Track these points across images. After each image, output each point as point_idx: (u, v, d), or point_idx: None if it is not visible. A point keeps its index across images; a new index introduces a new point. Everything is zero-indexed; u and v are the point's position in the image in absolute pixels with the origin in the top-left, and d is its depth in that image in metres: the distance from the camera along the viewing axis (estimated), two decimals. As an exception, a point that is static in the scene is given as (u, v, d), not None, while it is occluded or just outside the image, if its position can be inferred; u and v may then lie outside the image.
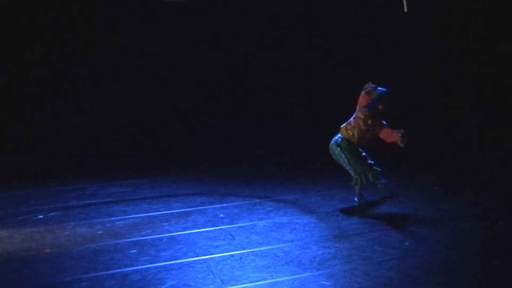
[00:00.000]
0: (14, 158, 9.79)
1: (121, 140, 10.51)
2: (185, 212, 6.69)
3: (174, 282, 4.56)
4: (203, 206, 6.98)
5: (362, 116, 6.53)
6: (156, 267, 4.88)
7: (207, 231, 5.91)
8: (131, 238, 5.70)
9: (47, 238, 5.80)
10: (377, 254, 5.11)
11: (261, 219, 6.33)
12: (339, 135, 6.71)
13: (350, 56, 10.92)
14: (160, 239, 5.67)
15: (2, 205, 7.19)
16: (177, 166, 9.49)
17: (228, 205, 6.96)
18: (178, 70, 11.13)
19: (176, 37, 11.04)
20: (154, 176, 8.75)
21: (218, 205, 6.97)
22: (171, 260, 5.05)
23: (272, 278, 4.59)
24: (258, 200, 7.18)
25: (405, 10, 7.14)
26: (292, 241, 5.53)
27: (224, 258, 5.07)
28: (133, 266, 4.93)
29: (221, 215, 6.52)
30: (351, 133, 6.63)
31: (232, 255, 5.13)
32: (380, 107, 6.43)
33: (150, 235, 5.79)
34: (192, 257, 5.11)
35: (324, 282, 4.50)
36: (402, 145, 6.42)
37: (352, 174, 6.61)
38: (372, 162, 6.72)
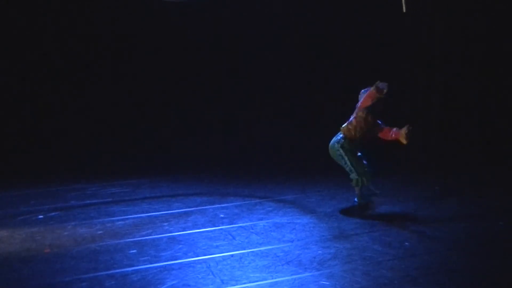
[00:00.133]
0: (14, 158, 9.79)
1: (121, 140, 10.51)
2: (185, 212, 6.69)
3: (174, 282, 4.56)
4: (203, 206, 6.98)
5: (363, 115, 6.52)
6: (156, 267, 4.88)
7: (207, 231, 5.91)
8: (131, 238, 5.70)
9: (47, 238, 5.80)
10: (377, 254, 5.11)
11: (261, 219, 6.33)
12: (340, 135, 6.68)
13: (350, 56, 10.92)
14: (160, 239, 5.67)
15: (2, 205, 7.19)
16: (177, 166, 9.50)
17: (228, 205, 6.96)
18: (178, 70, 11.13)
19: (176, 37, 11.03)
20: (154, 176, 8.76)
21: (218, 205, 6.97)
22: (171, 260, 5.05)
23: (272, 278, 4.59)
24: (258, 200, 7.19)
25: (404, 10, 7.13)
26: (292, 241, 5.53)
27: (224, 258, 5.07)
28: (133, 266, 4.93)
29: (221, 215, 6.52)
30: (352, 133, 6.61)
31: (232, 255, 5.14)
32: (379, 95, 6.31)
33: (150, 235, 5.79)
34: (192, 257, 5.12)
35: (324, 282, 4.50)
36: (405, 142, 6.39)
37: (353, 175, 6.59)
38: (365, 163, 6.72)
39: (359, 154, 6.72)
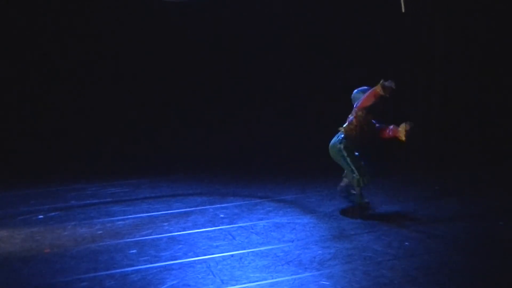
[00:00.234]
0: (14, 158, 9.79)
1: (121, 140, 10.51)
2: (185, 212, 6.69)
3: (174, 282, 4.56)
4: (203, 206, 6.98)
5: (363, 115, 6.52)
6: (156, 267, 4.88)
7: (207, 231, 5.92)
8: (131, 238, 5.70)
9: (47, 238, 5.80)
10: (377, 254, 5.11)
11: (261, 219, 6.33)
12: (341, 135, 6.66)
13: (350, 56, 10.91)
14: (160, 239, 5.67)
15: (2, 205, 7.19)
16: (177, 166, 9.49)
17: (228, 205, 6.96)
18: (178, 70, 11.12)
19: (176, 37, 11.03)
20: (154, 176, 8.75)
21: (218, 205, 6.97)
22: (171, 260, 5.05)
23: (272, 278, 4.59)
24: (258, 200, 7.19)
25: (403, 10, 7.12)
26: (292, 241, 5.53)
27: (224, 258, 5.07)
28: (133, 266, 4.93)
29: (221, 215, 6.52)
30: (354, 133, 6.60)
31: (232, 255, 5.14)
32: (385, 93, 6.26)
33: (150, 235, 5.79)
34: (192, 257, 5.12)
35: (324, 282, 4.50)
36: (404, 139, 6.37)
37: (354, 175, 6.58)
38: (363, 163, 6.72)
39: (356, 154, 6.72)
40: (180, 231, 5.92)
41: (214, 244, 5.48)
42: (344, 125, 6.66)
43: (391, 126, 6.55)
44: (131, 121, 10.88)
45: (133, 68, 10.85)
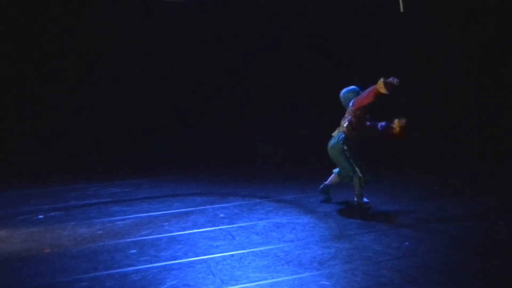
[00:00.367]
0: (14, 158, 9.79)
1: (121, 140, 10.51)
2: (185, 212, 6.69)
3: (174, 282, 4.56)
4: (203, 206, 6.98)
5: (361, 114, 6.54)
6: (156, 267, 4.88)
7: (207, 231, 5.92)
8: (131, 238, 5.70)
9: (47, 238, 5.80)
10: (377, 254, 5.11)
11: (261, 219, 6.33)
12: (342, 136, 6.66)
13: (350, 56, 10.92)
14: (160, 239, 5.67)
15: (2, 205, 7.19)
16: (177, 166, 9.50)
17: (228, 205, 6.97)
18: (178, 70, 11.13)
19: (176, 37, 11.03)
20: (154, 176, 8.76)
21: (218, 205, 6.97)
22: (171, 260, 5.05)
23: (272, 278, 4.59)
24: (258, 200, 7.19)
25: (401, 10, 7.13)
26: (292, 241, 5.53)
27: (224, 258, 5.07)
28: (133, 266, 4.93)
29: (221, 215, 6.52)
30: (354, 133, 6.61)
31: (232, 255, 5.13)
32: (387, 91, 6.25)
33: (150, 235, 5.79)
34: (192, 257, 5.11)
35: (324, 282, 4.50)
36: (398, 132, 6.33)
37: (356, 175, 6.58)
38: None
39: (355, 154, 6.72)
40: (180, 231, 5.92)
41: (214, 244, 5.48)
42: (345, 125, 6.66)
43: (383, 123, 6.57)
44: (131, 121, 10.89)
45: (133, 68, 10.86)
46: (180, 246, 5.44)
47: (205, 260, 5.03)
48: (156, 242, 5.56)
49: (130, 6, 10.55)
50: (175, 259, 5.06)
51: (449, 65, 10.49)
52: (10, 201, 7.36)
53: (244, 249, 5.29)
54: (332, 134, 6.80)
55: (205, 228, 6.02)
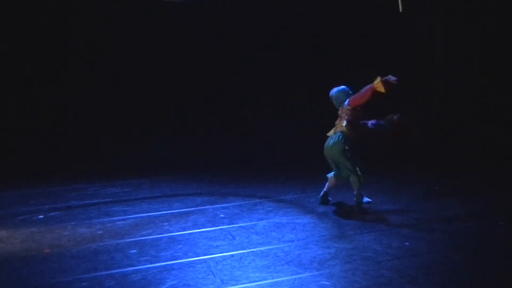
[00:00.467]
0: (14, 158, 9.79)
1: (121, 140, 10.51)
2: (185, 212, 6.69)
3: (174, 282, 4.56)
4: (203, 206, 6.98)
5: (359, 113, 6.54)
6: (156, 267, 4.88)
7: (207, 231, 5.91)
8: (131, 238, 5.70)
9: (47, 238, 5.80)
10: (377, 254, 5.11)
11: (261, 219, 6.33)
12: (340, 136, 6.65)
13: (350, 56, 10.91)
14: (160, 239, 5.67)
15: (2, 205, 7.19)
16: (177, 166, 9.50)
17: (228, 205, 6.96)
18: (178, 70, 11.12)
19: (176, 37, 11.03)
20: (154, 176, 8.76)
21: (218, 205, 6.97)
22: (171, 260, 5.05)
23: (272, 278, 4.59)
24: (258, 200, 7.19)
25: (400, 10, 7.13)
26: (292, 241, 5.53)
27: (224, 258, 5.07)
28: (133, 266, 4.93)
29: (221, 215, 6.52)
30: (353, 132, 6.61)
31: (232, 255, 5.13)
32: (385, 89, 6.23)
33: (150, 235, 5.79)
34: (192, 257, 5.11)
35: (324, 282, 4.50)
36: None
37: (355, 174, 6.58)
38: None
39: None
40: (180, 231, 5.92)
41: (214, 244, 5.48)
42: (344, 125, 6.65)
43: (373, 121, 6.57)
44: (131, 121, 10.88)
45: (133, 68, 10.86)
46: (180, 246, 5.44)
47: (205, 260, 5.03)
48: (156, 242, 5.56)
49: (130, 6, 10.54)
50: (175, 259, 5.06)
51: (449, 65, 10.49)
52: (10, 201, 7.36)
53: (244, 249, 5.29)
54: (328, 135, 6.80)
55: (205, 228, 6.02)
